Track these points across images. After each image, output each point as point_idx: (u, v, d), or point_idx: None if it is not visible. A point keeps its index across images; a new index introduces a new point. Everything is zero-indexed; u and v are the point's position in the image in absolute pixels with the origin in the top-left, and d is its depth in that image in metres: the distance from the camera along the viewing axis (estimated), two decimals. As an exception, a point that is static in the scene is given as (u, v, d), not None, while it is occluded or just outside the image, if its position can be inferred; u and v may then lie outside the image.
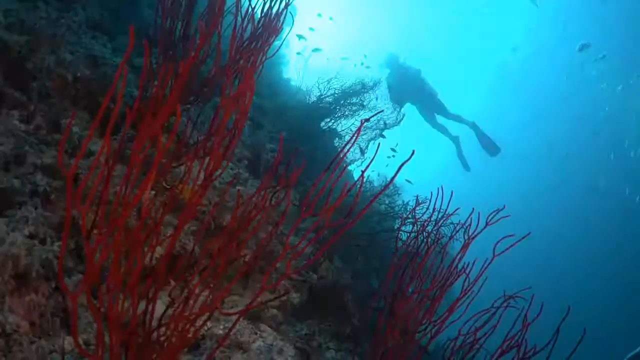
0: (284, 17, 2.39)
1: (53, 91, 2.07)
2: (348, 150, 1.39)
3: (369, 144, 4.48)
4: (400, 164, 1.22)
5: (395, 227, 3.27)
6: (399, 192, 3.62)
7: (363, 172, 1.35)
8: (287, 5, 2.44)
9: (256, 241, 2.63)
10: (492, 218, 1.49)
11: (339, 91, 4.64)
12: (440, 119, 8.18)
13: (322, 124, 4.83)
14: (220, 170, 1.85)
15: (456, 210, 1.76)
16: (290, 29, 6.80)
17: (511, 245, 1.43)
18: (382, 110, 4.34)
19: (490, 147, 7.90)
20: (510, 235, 1.48)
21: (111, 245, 1.10)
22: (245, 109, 1.69)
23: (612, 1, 18.05)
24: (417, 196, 2.38)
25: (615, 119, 20.68)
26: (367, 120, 1.58)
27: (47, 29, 1.99)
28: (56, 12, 2.14)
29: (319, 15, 8.27)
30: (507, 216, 1.48)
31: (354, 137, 1.35)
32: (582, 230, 22.11)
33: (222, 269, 1.37)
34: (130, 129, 2.36)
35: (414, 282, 1.88)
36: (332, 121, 4.70)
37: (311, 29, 7.58)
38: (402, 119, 4.54)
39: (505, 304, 1.58)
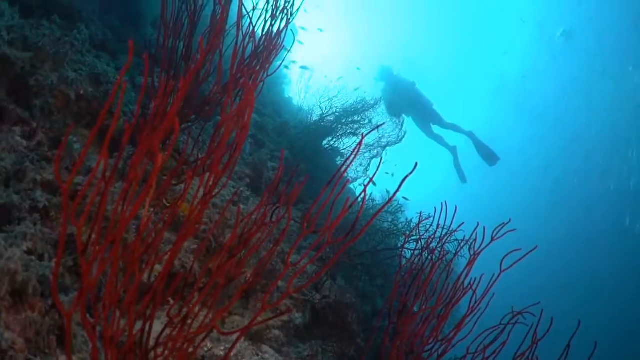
0: (284, 36, 2.42)
1: (56, 108, 2.07)
2: (349, 166, 1.37)
3: (370, 161, 4.47)
4: (400, 182, 1.19)
5: (399, 245, 3.22)
6: (402, 210, 3.59)
7: (365, 186, 1.33)
8: (287, 24, 2.48)
9: (257, 259, 2.59)
10: (497, 233, 1.45)
11: (341, 110, 4.66)
12: (436, 129, 8.13)
13: (324, 142, 4.84)
14: (219, 188, 1.84)
15: (461, 225, 1.73)
16: (291, 48, 6.87)
17: (520, 259, 1.39)
18: (384, 123, 4.35)
19: (489, 156, 7.82)
20: (517, 250, 1.44)
21: (107, 260, 1.08)
22: (245, 125, 1.69)
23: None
24: (420, 213, 2.35)
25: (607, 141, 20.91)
26: (368, 134, 1.54)
27: (51, 47, 2.01)
28: (60, 30, 2.16)
29: (303, 28, 8.28)
30: (513, 230, 1.45)
31: (355, 153, 1.33)
32: (581, 248, 21.94)
33: (221, 287, 1.34)
34: (131, 146, 2.36)
35: (419, 300, 1.84)
36: (334, 140, 4.71)
37: (300, 42, 7.63)
38: (403, 136, 4.54)
39: (513, 320, 1.53)
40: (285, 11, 2.41)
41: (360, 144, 1.32)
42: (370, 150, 4.50)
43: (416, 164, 1.38)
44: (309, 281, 1.18)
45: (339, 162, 4.67)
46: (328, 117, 4.66)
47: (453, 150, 8.27)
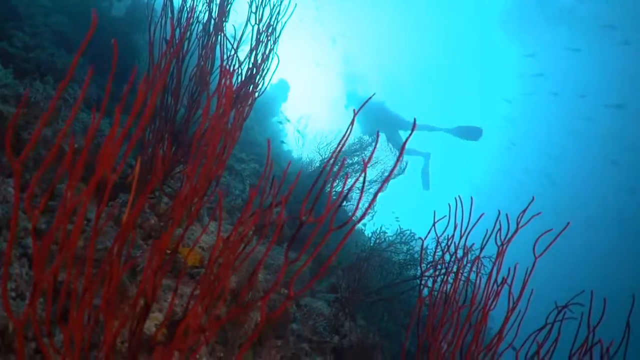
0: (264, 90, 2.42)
1: (50, 161, 2.05)
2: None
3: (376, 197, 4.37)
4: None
5: (419, 274, 3.02)
6: (415, 237, 3.43)
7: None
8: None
9: (268, 303, 2.42)
10: (521, 218, 1.32)
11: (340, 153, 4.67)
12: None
13: (328, 187, 4.79)
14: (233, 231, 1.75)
15: (486, 243, 1.55)
16: (285, 100, 7.08)
17: (556, 237, 1.24)
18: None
19: (471, 134, 7.95)
20: (548, 231, 1.30)
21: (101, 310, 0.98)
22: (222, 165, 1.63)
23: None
24: (436, 234, 2.20)
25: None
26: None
27: (44, 102, 2.04)
28: (52, 89, 2.21)
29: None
30: (538, 213, 1.32)
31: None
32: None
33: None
34: (127, 194, 2.31)
35: (446, 324, 1.65)
36: (336, 182, 4.66)
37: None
38: (405, 167, 4.49)
39: (560, 316, 1.34)
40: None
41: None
42: (374, 186, 4.42)
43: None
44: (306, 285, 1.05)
45: (344, 205, 4.57)
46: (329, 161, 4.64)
47: (427, 156, 8.45)
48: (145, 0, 4.14)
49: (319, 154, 4.90)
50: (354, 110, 1.02)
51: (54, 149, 0.94)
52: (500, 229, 1.32)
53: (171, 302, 1.53)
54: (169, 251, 2.31)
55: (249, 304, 2.45)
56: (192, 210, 1.48)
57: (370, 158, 0.98)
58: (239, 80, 2.24)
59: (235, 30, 2.17)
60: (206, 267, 1.23)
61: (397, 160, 1.14)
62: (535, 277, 1.41)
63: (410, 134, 1.09)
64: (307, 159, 5.44)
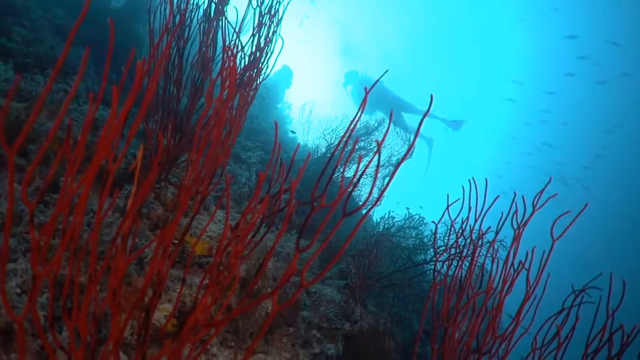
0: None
1: (52, 154, 2.03)
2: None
3: (384, 181, 4.33)
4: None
5: (429, 258, 2.99)
6: (425, 222, 3.39)
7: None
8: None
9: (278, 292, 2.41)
10: (538, 200, 1.27)
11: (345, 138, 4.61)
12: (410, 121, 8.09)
13: (337, 173, 4.75)
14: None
15: (502, 226, 1.48)
16: (289, 87, 6.98)
17: (574, 219, 1.19)
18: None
19: (455, 124, 7.90)
20: (566, 213, 1.25)
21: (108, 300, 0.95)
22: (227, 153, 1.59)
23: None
24: (450, 216, 2.15)
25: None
26: (382, 140, 1.42)
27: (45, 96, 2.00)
28: (54, 83, 2.17)
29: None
30: (554, 195, 1.27)
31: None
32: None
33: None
34: (130, 185, 2.29)
35: (463, 313, 1.61)
36: (346, 169, 4.61)
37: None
38: (412, 151, 4.42)
39: (577, 301, 1.30)
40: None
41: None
42: (381, 170, 4.36)
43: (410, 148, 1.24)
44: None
45: (351, 191, 4.53)
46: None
47: (429, 141, 8.36)
48: (145, -12, 4.08)
49: (325, 139, 4.84)
50: (364, 98, 0.96)
51: (50, 136, 0.90)
52: (516, 211, 1.27)
53: (179, 293, 1.50)
54: (176, 241, 2.30)
55: (260, 295, 2.44)
56: (198, 198, 1.45)
57: (382, 141, 0.93)
58: (242, 64, 2.19)
59: (237, 11, 2.11)
60: (214, 257, 1.20)
61: (412, 144, 1.09)
62: (550, 260, 1.36)
63: (422, 119, 1.02)
64: (313, 145, 5.40)
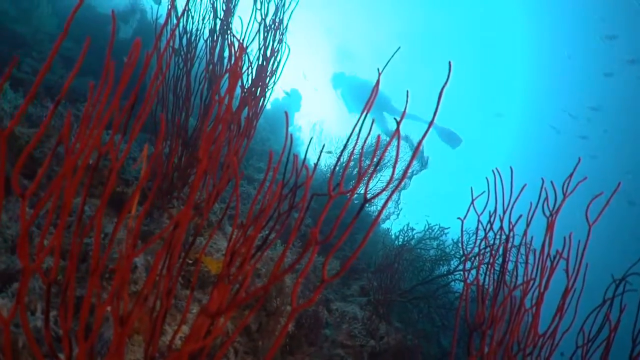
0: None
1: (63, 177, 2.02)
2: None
3: (400, 194, 4.24)
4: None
5: (452, 269, 2.86)
6: (446, 232, 3.27)
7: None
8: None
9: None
10: (567, 186, 1.18)
11: (357, 155, 4.57)
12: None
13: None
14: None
15: (533, 215, 1.36)
16: (298, 110, 7.02)
17: (607, 202, 1.10)
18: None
19: (451, 139, 7.64)
20: (599, 195, 1.16)
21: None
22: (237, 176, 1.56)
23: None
24: (476, 211, 2.03)
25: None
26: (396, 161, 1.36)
27: (55, 120, 2.01)
28: (64, 109, 2.19)
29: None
30: (584, 179, 1.18)
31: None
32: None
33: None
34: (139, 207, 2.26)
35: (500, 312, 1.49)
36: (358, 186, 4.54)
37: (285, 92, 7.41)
38: (427, 162, 4.35)
39: (618, 291, 1.19)
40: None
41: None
42: (394, 184, 4.28)
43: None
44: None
45: (367, 207, 4.45)
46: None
47: (442, 130, 8.11)
48: (152, 20, 4.20)
49: (336, 158, 4.80)
50: (362, 110, 0.89)
51: (49, 158, 0.86)
52: (547, 198, 1.18)
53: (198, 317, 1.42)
54: (190, 261, 2.24)
55: (278, 313, 2.35)
56: (204, 217, 1.40)
57: (396, 161, 0.86)
58: (249, 79, 2.18)
59: (241, 23, 2.11)
60: (219, 277, 1.13)
61: (413, 156, 1.02)
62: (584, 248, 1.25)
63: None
64: (326, 165, 5.38)
